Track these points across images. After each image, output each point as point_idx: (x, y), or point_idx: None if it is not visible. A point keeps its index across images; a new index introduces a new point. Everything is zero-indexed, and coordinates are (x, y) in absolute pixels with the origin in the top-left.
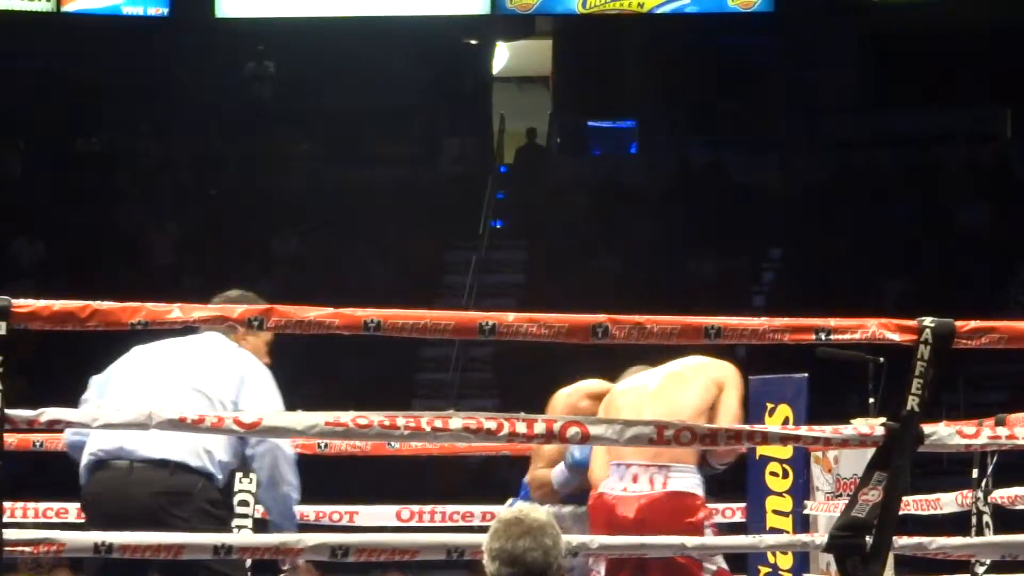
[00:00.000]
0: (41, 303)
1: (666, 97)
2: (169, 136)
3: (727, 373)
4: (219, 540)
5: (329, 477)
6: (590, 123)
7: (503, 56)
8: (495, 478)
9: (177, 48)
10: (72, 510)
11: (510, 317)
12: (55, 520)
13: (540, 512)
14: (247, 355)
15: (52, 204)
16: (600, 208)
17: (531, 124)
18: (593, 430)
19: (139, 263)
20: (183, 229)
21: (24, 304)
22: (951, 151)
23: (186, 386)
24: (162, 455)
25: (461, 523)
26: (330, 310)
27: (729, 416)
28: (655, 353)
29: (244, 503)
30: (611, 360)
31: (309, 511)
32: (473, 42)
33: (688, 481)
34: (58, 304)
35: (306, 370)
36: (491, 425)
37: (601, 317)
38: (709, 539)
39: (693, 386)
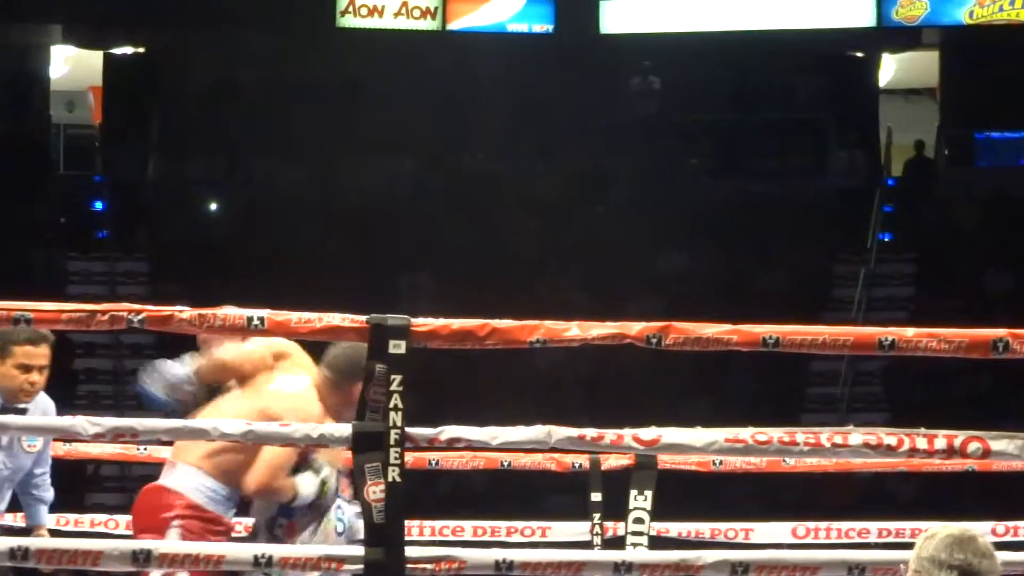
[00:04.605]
0: (440, 322)
1: None
2: (554, 151)
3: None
4: (620, 557)
5: (719, 493)
6: (978, 134)
7: (889, 68)
8: (885, 493)
9: (561, 64)
10: (468, 528)
11: (909, 332)
12: (451, 538)
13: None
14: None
15: (443, 221)
16: (991, 221)
17: (918, 136)
18: (995, 446)
19: (525, 279)
20: (569, 246)
21: (423, 323)
22: None
23: None
24: None
25: (857, 539)
26: (728, 327)
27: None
28: None
29: (639, 520)
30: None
31: (705, 528)
32: (859, 55)
33: (186, 481)
34: (457, 323)
35: (695, 384)
36: (891, 441)
37: (1002, 332)
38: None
39: None
